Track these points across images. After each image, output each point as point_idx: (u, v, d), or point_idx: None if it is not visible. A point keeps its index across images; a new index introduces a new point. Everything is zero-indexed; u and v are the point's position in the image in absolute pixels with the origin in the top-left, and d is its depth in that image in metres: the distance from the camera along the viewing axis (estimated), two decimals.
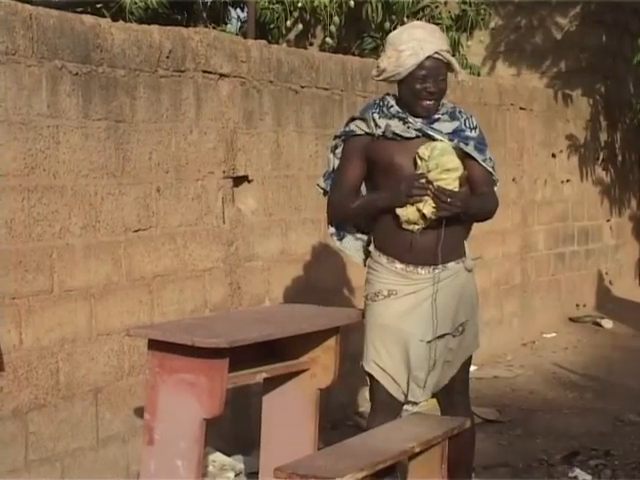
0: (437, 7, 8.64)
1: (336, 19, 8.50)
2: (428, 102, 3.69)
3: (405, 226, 3.67)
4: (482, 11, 8.96)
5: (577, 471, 4.78)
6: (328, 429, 5.17)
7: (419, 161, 3.65)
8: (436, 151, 3.62)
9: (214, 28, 7.80)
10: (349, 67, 5.87)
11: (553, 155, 8.79)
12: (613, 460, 4.98)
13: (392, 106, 3.75)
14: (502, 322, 7.84)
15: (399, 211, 3.65)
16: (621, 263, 10.37)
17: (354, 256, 3.97)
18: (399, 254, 3.71)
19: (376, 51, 8.32)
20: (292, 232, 5.40)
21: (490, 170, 3.81)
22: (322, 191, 4.00)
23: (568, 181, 9.10)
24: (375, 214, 3.77)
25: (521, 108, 8.15)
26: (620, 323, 8.87)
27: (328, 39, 8.52)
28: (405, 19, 8.26)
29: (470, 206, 3.67)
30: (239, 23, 9.90)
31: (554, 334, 8.40)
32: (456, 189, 3.61)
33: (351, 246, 3.96)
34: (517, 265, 8.13)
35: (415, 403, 3.81)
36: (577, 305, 9.21)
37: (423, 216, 3.62)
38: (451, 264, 3.73)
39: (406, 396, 3.76)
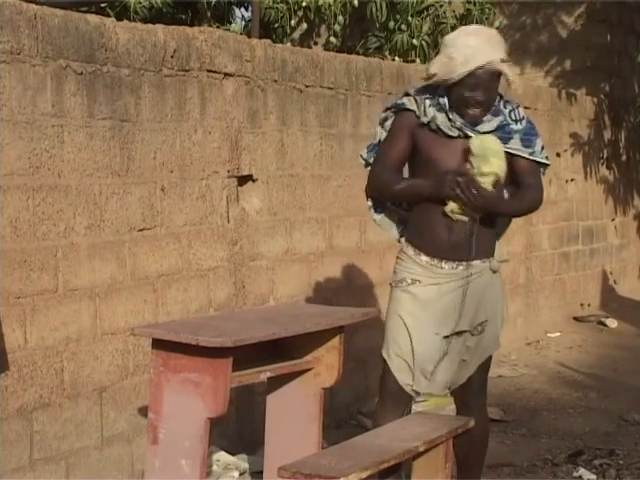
0: (442, 6, 8.62)
1: (340, 18, 8.49)
2: (475, 110, 3.66)
3: (452, 216, 3.66)
4: (487, 10, 8.94)
5: (581, 470, 4.78)
6: (332, 428, 5.17)
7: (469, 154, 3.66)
8: (480, 150, 3.60)
9: (218, 27, 7.79)
10: (353, 66, 5.87)
11: (557, 154, 8.77)
12: (618, 460, 4.98)
13: (442, 98, 3.72)
14: (506, 321, 7.76)
15: (448, 202, 3.66)
16: (626, 262, 10.36)
17: (389, 231, 3.96)
18: (426, 247, 3.73)
19: (380, 50, 8.31)
20: (297, 231, 5.40)
21: (540, 160, 3.85)
22: (364, 162, 3.96)
23: (572, 180, 9.09)
24: (417, 200, 3.74)
25: (525, 107, 8.11)
26: (625, 322, 8.86)
27: (332, 38, 8.51)
28: (409, 18, 8.26)
29: (497, 206, 3.66)
30: (243, 22, 9.90)
31: (558, 333, 8.39)
32: (488, 186, 3.59)
33: (386, 221, 3.94)
34: (521, 264, 8.12)
35: (418, 393, 3.81)
36: (582, 304, 9.20)
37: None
38: (476, 262, 3.74)
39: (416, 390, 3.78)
